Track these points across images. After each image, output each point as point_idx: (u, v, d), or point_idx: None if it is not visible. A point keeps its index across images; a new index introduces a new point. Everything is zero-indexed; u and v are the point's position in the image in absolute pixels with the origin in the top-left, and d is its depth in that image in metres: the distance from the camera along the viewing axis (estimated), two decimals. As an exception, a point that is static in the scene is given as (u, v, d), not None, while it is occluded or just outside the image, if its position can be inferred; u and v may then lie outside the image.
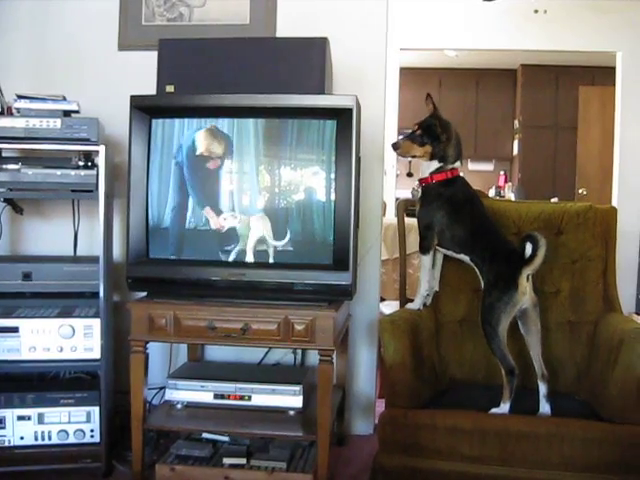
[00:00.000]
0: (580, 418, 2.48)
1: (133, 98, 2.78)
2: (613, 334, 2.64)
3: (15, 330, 2.82)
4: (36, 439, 2.89)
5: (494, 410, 2.53)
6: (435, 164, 2.80)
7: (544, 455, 2.39)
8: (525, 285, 2.58)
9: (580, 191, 8.55)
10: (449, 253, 2.85)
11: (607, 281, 2.96)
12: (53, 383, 3.09)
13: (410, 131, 2.85)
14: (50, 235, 3.44)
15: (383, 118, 3.46)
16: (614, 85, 6.82)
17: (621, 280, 3.00)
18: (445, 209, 2.78)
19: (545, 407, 2.59)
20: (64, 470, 2.89)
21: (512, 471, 2.41)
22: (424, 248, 2.84)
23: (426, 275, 2.88)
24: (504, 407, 2.54)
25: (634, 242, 6.57)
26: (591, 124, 8.70)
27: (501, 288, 2.59)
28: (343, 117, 2.68)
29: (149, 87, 2.90)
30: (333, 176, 2.71)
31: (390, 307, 3.84)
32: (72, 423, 2.91)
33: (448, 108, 10.48)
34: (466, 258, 2.77)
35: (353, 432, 3.48)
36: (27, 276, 2.93)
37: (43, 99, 2.90)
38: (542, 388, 2.62)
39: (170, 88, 2.88)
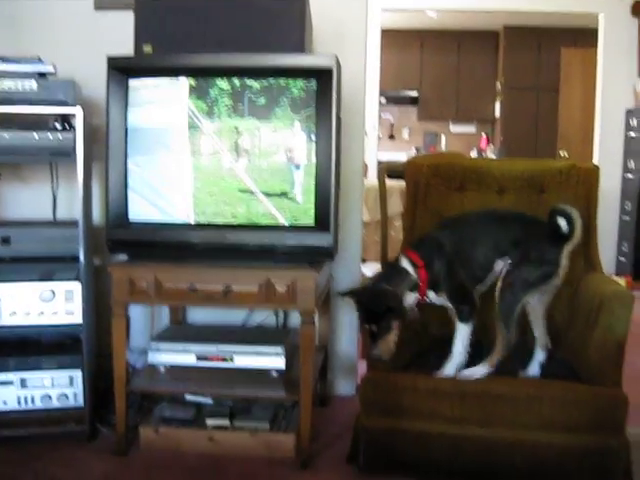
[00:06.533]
0: (560, 378, 2.52)
1: (110, 60, 2.74)
2: (593, 295, 2.64)
3: (-5, 295, 2.81)
4: (19, 404, 2.89)
5: (468, 372, 2.52)
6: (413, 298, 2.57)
7: (523, 416, 2.43)
8: (566, 264, 2.57)
9: (561, 153, 8.57)
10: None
11: (588, 240, 2.96)
12: (35, 348, 3.07)
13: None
14: (29, 199, 3.40)
15: (364, 79, 3.43)
16: (596, 47, 6.81)
17: (601, 242, 3.00)
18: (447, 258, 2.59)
19: (535, 370, 2.62)
20: (49, 434, 2.90)
21: (492, 432, 2.46)
22: (465, 313, 2.57)
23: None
24: (482, 370, 2.51)
25: (614, 204, 6.63)
26: (573, 86, 8.71)
27: (539, 266, 2.55)
28: (323, 77, 2.65)
29: (126, 47, 2.86)
30: (313, 136, 2.69)
31: (371, 269, 3.85)
32: (55, 387, 2.91)
33: (430, 70, 10.63)
34: (507, 261, 2.59)
35: (336, 393, 3.51)
36: (6, 241, 2.90)
37: (17, 61, 2.84)
38: (540, 355, 2.64)
39: (147, 48, 2.84)
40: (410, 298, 2.53)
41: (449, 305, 2.60)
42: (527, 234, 2.62)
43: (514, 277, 2.53)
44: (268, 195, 2.74)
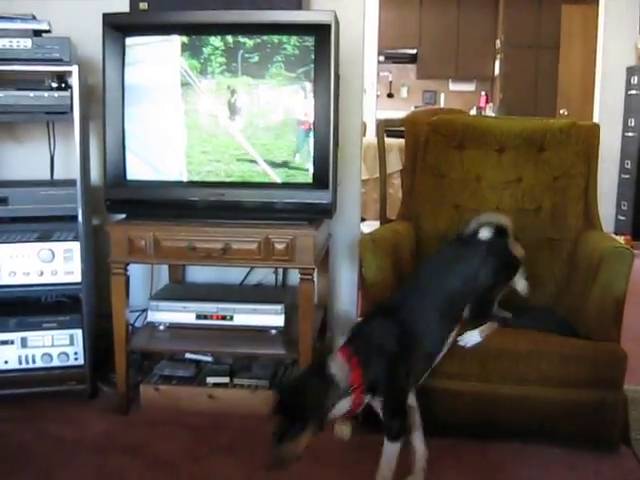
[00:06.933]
0: (558, 334, 2.52)
1: (106, 16, 2.70)
2: (593, 252, 2.64)
3: (-7, 255, 2.80)
4: (20, 363, 2.90)
5: (462, 342, 2.46)
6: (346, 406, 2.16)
7: (522, 372, 2.44)
8: (520, 249, 2.53)
9: (561, 111, 8.52)
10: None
11: (588, 198, 2.96)
12: (35, 307, 3.08)
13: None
14: (26, 159, 3.37)
15: (362, 36, 3.39)
16: (597, 3, 6.73)
17: (601, 201, 2.99)
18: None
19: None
20: (50, 393, 2.92)
21: (491, 387, 2.47)
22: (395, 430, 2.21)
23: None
24: (475, 339, 2.46)
25: (614, 163, 6.61)
26: (573, 43, 8.62)
27: (496, 280, 2.44)
28: (321, 33, 2.62)
29: (122, 4, 2.82)
30: (312, 94, 2.66)
31: (370, 227, 3.85)
32: (55, 346, 2.92)
33: (429, 28, 10.50)
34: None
35: (335, 351, 3.52)
36: (3, 201, 2.89)
37: (11, 18, 2.80)
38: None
39: (143, 5, 2.81)
40: (342, 406, 2.13)
41: (380, 416, 2.24)
42: (467, 268, 2.42)
43: (478, 303, 2.42)
44: (263, 154, 2.71)
